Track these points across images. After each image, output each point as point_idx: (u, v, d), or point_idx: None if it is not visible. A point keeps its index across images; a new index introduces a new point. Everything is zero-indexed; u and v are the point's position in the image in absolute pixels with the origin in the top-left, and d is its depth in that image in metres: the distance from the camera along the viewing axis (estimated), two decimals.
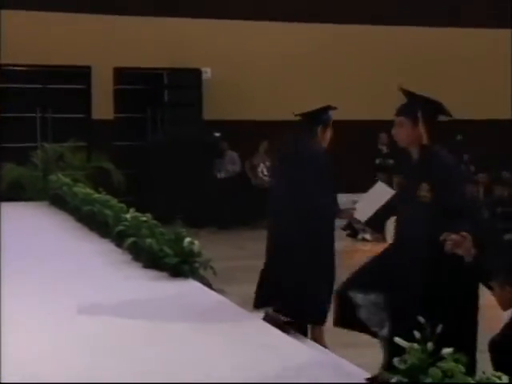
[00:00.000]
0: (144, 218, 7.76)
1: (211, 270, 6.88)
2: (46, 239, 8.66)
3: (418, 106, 4.44)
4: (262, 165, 14.51)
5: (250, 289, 6.47)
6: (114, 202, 8.98)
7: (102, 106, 14.12)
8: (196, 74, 14.36)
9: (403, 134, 4.51)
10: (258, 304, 6.17)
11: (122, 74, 14.18)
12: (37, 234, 8.98)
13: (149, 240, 7.14)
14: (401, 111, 4.54)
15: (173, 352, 4.75)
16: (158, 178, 13.66)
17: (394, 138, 4.60)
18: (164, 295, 6.21)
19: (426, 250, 4.26)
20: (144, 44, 13.94)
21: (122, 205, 8.72)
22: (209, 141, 14.18)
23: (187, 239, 6.96)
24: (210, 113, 14.29)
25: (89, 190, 10.02)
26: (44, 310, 5.76)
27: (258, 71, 14.54)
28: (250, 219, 12.96)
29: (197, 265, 6.82)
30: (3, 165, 12.29)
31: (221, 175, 14.37)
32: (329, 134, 6.27)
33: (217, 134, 14.23)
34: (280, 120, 14.73)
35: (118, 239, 7.96)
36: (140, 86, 14.50)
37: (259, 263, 6.47)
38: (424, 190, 4.37)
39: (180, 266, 6.72)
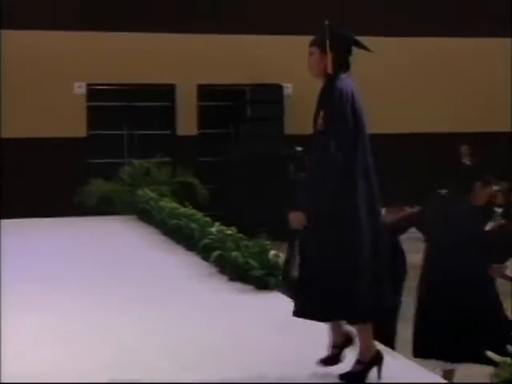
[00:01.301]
0: (229, 232, 7.78)
1: None
2: (134, 252, 8.76)
3: (327, 36, 4.40)
4: None
5: None
6: (199, 215, 9.03)
7: (186, 123, 14.27)
8: (277, 89, 14.40)
9: (312, 62, 4.48)
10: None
11: (205, 91, 14.31)
12: (125, 246, 9.10)
13: (234, 253, 7.15)
14: (313, 41, 4.52)
15: (259, 364, 4.72)
16: (242, 192, 13.71)
17: (307, 67, 4.53)
18: (250, 308, 6.21)
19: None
20: (226, 61, 14.04)
21: (208, 218, 8.77)
22: (291, 155, 14.18)
23: (272, 252, 6.94)
24: (291, 127, 14.29)
25: (175, 204, 10.11)
26: (131, 320, 5.82)
27: None
28: None
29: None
30: (92, 180, 12.51)
31: None
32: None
33: (299, 149, 14.20)
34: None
35: (204, 252, 7.99)
36: (223, 103, 14.59)
37: None
38: (320, 118, 4.36)
39: (265, 278, 6.70)
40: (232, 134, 14.53)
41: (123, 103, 14.15)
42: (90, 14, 13.50)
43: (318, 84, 4.51)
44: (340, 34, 4.46)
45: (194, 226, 8.67)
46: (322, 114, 4.35)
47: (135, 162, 12.79)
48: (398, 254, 6.37)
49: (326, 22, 4.43)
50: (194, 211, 9.34)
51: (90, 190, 12.26)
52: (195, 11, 14.04)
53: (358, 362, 4.39)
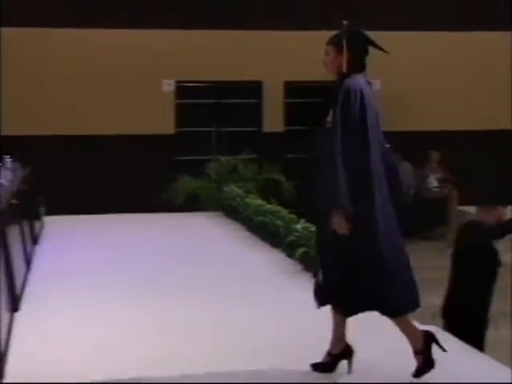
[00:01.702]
0: (314, 229, 7.71)
1: None
2: (220, 248, 8.79)
3: (343, 35, 4.44)
4: (432, 176, 14.17)
5: (428, 301, 6.29)
6: (284, 212, 8.99)
7: (273, 119, 14.26)
8: None
9: (327, 61, 4.50)
10: None
11: (292, 88, 14.27)
12: (211, 242, 9.14)
13: None
14: (329, 40, 4.55)
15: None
16: None
17: (323, 65, 4.55)
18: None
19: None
20: (313, 58, 13.90)
21: (293, 215, 8.72)
22: None
23: None
24: None
25: (260, 201, 10.10)
26: (220, 317, 5.83)
27: (427, 82, 14.25)
28: (417, 230, 12.66)
29: None
30: (180, 177, 12.62)
31: None
32: None
33: (387, 145, 14.02)
34: (450, 130, 14.41)
35: (289, 249, 7.96)
36: (309, 99, 14.52)
37: (430, 274, 6.28)
38: (329, 116, 4.42)
39: None
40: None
41: (211, 100, 14.24)
42: (177, 12, 13.62)
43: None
44: (356, 35, 4.50)
45: (279, 222, 8.64)
46: (330, 112, 4.40)
47: (222, 158, 12.85)
48: (490, 255, 6.25)
49: (345, 22, 4.49)
50: (279, 208, 9.31)
51: (177, 187, 12.37)
52: (284, 8, 14.01)
53: (329, 353, 4.53)
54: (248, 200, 10.37)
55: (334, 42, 4.48)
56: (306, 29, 13.84)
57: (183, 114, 14.07)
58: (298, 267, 7.46)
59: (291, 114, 14.33)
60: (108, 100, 13.45)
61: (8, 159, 8.40)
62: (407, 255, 4.47)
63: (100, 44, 13.37)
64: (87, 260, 8.03)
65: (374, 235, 4.30)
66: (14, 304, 5.89)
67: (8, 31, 12.82)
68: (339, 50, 4.43)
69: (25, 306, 6.14)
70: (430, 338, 4.43)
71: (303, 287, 6.68)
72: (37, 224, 9.52)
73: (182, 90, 14.04)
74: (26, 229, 8.18)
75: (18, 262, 6.54)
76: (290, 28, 13.84)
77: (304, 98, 14.46)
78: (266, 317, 5.81)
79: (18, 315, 5.81)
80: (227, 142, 13.94)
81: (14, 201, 6.87)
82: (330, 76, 4.45)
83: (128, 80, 13.49)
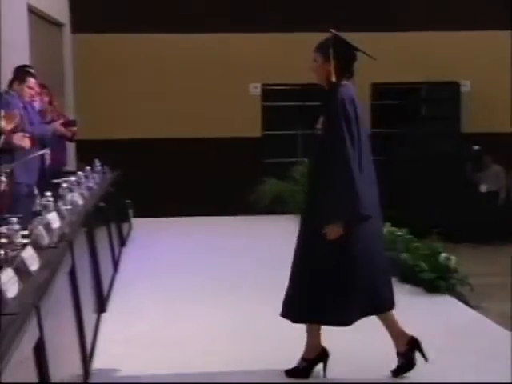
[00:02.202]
0: (399, 233, 7.62)
1: (468, 286, 6.61)
2: None
3: (330, 43, 4.49)
4: None
5: (507, 306, 6.14)
6: None
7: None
8: (454, 87, 14.00)
9: (315, 68, 4.55)
10: None
11: (378, 90, 14.13)
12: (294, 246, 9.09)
13: (404, 254, 7.00)
14: (316, 47, 4.59)
15: (424, 369, 4.58)
16: (414, 192, 13.43)
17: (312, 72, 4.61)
18: (421, 311, 6.05)
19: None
20: (402, 59, 13.80)
21: None
22: (468, 154, 13.77)
23: (443, 255, 6.74)
24: (468, 126, 13.87)
25: None
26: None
27: None
28: (507, 234, 12.37)
29: (453, 281, 6.58)
30: (266, 180, 12.65)
31: (483, 189, 13.87)
32: None
33: (476, 147, 13.75)
34: None
35: None
36: (396, 101, 14.36)
37: None
38: (320, 123, 4.52)
39: (436, 281, 6.52)
40: (403, 133, 14.26)
41: (297, 103, 14.23)
42: (264, 16, 13.64)
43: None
44: (342, 42, 4.53)
45: None
46: (322, 119, 4.49)
47: (308, 161, 12.78)
48: None
49: (331, 30, 4.54)
50: None
51: (263, 190, 12.40)
52: (373, 10, 13.88)
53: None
54: None
55: (321, 50, 4.53)
56: (392, 30, 13.70)
57: (269, 116, 14.10)
58: None
59: (378, 115, 14.18)
60: (195, 103, 13.58)
61: (97, 162, 8.57)
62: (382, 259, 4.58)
63: (187, 48, 13.51)
64: (173, 262, 8.13)
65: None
66: (101, 305, 6.00)
67: (82, 37, 13.08)
68: (326, 57, 4.49)
69: (111, 307, 6.25)
70: (325, 356, 4.61)
71: None
72: (125, 226, 9.68)
73: (269, 93, 14.07)
74: (114, 231, 8.32)
75: (105, 263, 6.66)
76: (377, 29, 13.70)
77: (391, 100, 14.31)
78: None
79: (104, 316, 5.92)
80: (313, 144, 13.87)
81: (101, 203, 7.00)
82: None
83: (215, 83, 13.60)
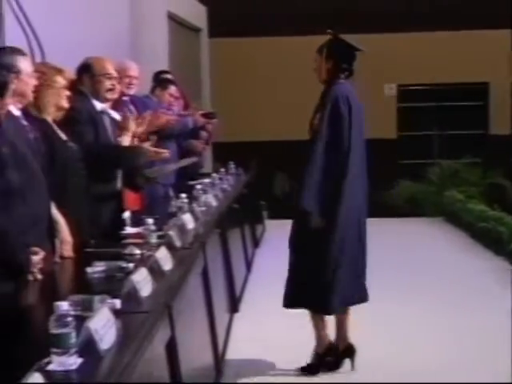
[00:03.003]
0: None
1: None
2: (440, 254, 8.60)
3: (326, 44, 4.78)
4: None
5: None
6: (508, 219, 8.65)
7: (499, 122, 13.76)
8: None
9: (316, 68, 4.80)
10: None
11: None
12: (431, 249, 8.97)
13: None
14: (317, 48, 4.84)
15: None
16: None
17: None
18: None
19: None
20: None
21: None
22: None
23: None
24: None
25: (483, 207, 9.78)
26: (451, 324, 5.75)
27: None
28: None
29: None
30: (400, 181, 12.50)
31: None
32: None
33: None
34: None
35: None
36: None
37: None
38: (316, 119, 4.70)
39: None
40: None
41: (433, 103, 13.99)
42: (398, 16, 13.48)
43: None
44: (340, 43, 4.76)
45: (502, 229, 8.32)
46: (318, 116, 4.69)
47: (443, 162, 12.57)
48: None
49: (329, 31, 4.78)
50: (503, 214, 8.96)
51: (397, 192, 12.25)
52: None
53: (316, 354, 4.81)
54: (470, 205, 10.06)
55: (320, 51, 4.80)
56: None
57: (405, 117, 13.93)
58: None
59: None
60: None
61: (232, 165, 8.70)
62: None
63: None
64: None
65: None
66: (234, 305, 6.09)
67: (219, 41, 13.28)
68: (323, 57, 4.75)
69: (244, 307, 6.33)
70: (351, 351, 4.77)
71: None
72: (258, 227, 9.78)
73: (404, 93, 13.90)
74: (247, 232, 8.43)
75: (238, 264, 6.76)
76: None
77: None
78: (493, 326, 5.64)
79: (237, 316, 6.01)
80: (450, 145, 13.62)
81: (235, 205, 7.10)
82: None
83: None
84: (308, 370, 4.79)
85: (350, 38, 4.82)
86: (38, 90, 3.94)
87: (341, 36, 4.79)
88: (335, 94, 4.66)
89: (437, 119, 13.91)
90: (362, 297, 4.82)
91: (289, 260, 4.79)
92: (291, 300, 4.78)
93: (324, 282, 4.61)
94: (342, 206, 4.58)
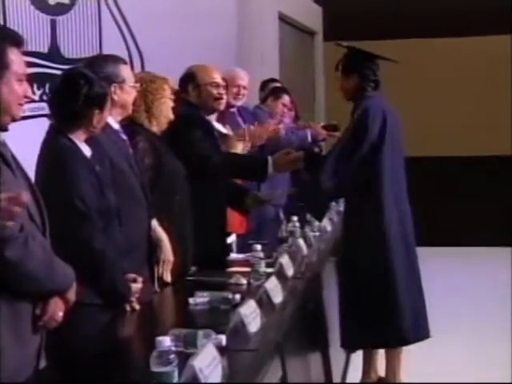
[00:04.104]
0: None
1: None
2: None
3: (341, 59, 5.01)
4: None
5: None
6: None
7: None
8: None
9: (340, 87, 5.09)
10: None
11: None
12: None
13: None
14: (335, 66, 5.09)
15: None
16: None
17: None
18: None
19: None
20: None
21: None
22: None
23: None
24: None
25: None
26: None
27: None
28: None
29: None
30: None
31: None
32: None
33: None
34: None
35: None
36: None
37: None
38: (345, 130, 5.01)
39: None
40: None
41: None
42: None
43: None
44: (357, 53, 4.95)
45: None
46: (347, 127, 4.98)
47: None
48: None
49: (344, 44, 5.00)
50: None
51: None
52: None
53: None
54: None
55: (337, 68, 5.02)
56: None
57: None
58: None
59: None
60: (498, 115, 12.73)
61: None
62: None
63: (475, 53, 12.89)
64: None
65: None
66: None
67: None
68: (346, 73, 4.97)
69: None
70: None
71: None
72: None
73: None
74: None
75: None
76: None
77: None
78: None
79: (354, 355, 5.95)
80: None
81: None
82: None
83: None
84: None
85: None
86: (148, 101, 4.04)
87: (355, 46, 4.99)
88: (365, 107, 4.87)
89: None
90: None
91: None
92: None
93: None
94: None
